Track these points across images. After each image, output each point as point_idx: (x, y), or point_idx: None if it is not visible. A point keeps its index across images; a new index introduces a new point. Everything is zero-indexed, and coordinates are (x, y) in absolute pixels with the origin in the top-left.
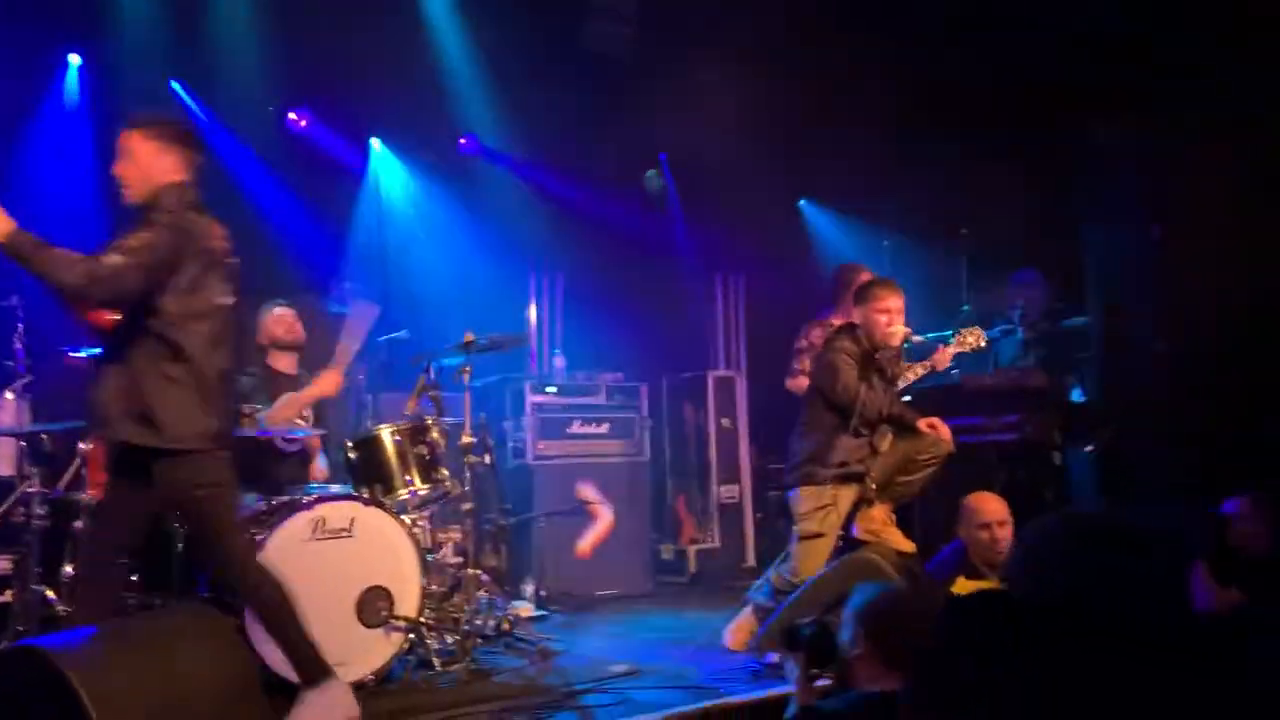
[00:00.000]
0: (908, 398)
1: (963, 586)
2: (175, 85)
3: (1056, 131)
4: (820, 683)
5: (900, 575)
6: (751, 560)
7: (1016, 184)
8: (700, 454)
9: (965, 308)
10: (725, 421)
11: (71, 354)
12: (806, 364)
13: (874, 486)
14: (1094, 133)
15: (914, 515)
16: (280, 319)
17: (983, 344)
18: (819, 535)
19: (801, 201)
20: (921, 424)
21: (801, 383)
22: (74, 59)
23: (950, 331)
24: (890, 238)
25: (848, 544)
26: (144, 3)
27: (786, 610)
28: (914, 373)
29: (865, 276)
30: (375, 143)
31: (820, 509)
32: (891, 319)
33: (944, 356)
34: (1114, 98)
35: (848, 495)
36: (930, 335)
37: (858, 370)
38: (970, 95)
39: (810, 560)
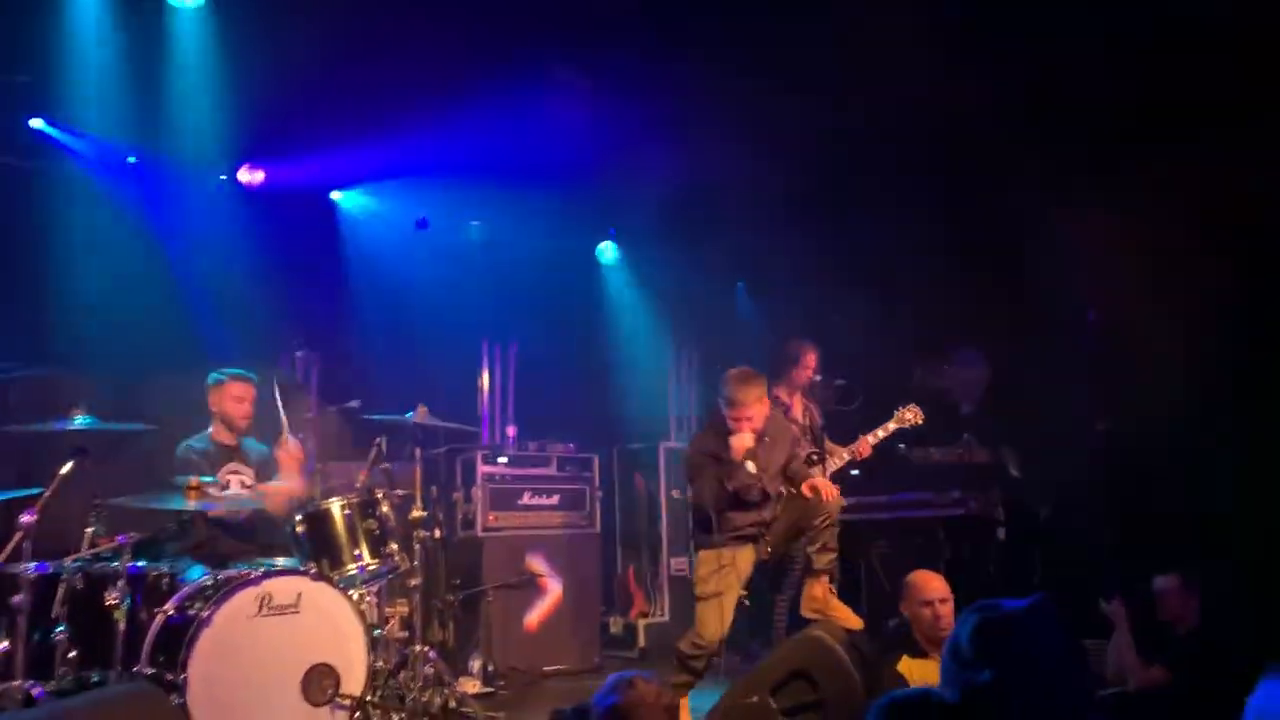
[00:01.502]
0: (855, 472)
1: (906, 665)
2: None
3: (997, 209)
4: None
5: (848, 653)
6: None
7: (958, 263)
8: (651, 525)
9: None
10: (676, 493)
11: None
12: None
13: (769, 549)
14: (1035, 213)
15: (861, 589)
16: (240, 400)
17: (920, 421)
18: (718, 594)
19: (740, 283)
20: (804, 488)
21: None
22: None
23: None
24: (833, 313)
25: (797, 624)
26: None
27: (734, 689)
28: (839, 458)
29: (810, 355)
30: (335, 196)
31: (719, 570)
32: (741, 426)
33: (864, 446)
34: (1058, 178)
35: (745, 555)
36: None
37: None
38: (909, 171)
39: (712, 620)
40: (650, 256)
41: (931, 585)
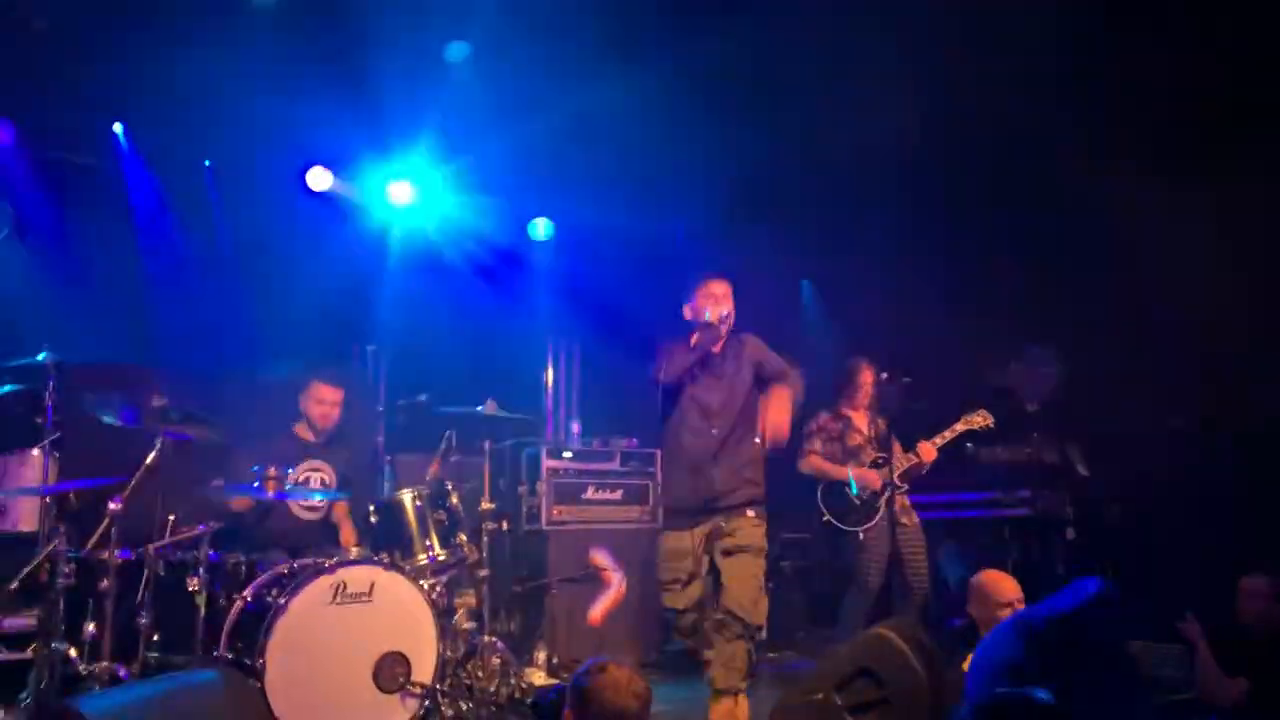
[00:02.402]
0: (923, 471)
1: None
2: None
3: (1069, 203)
4: None
5: (914, 651)
6: (764, 633)
7: (1029, 257)
8: None
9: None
10: None
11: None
12: (818, 445)
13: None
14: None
15: (926, 588)
16: (321, 402)
17: (989, 424)
18: (683, 610)
19: (805, 281)
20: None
21: (813, 462)
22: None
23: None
24: (900, 313)
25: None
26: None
27: (798, 685)
28: (905, 460)
29: (866, 372)
30: (396, 192)
31: (679, 583)
32: (703, 306)
33: (927, 450)
34: (1133, 170)
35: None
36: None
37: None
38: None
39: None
40: (715, 251)
41: (1007, 586)
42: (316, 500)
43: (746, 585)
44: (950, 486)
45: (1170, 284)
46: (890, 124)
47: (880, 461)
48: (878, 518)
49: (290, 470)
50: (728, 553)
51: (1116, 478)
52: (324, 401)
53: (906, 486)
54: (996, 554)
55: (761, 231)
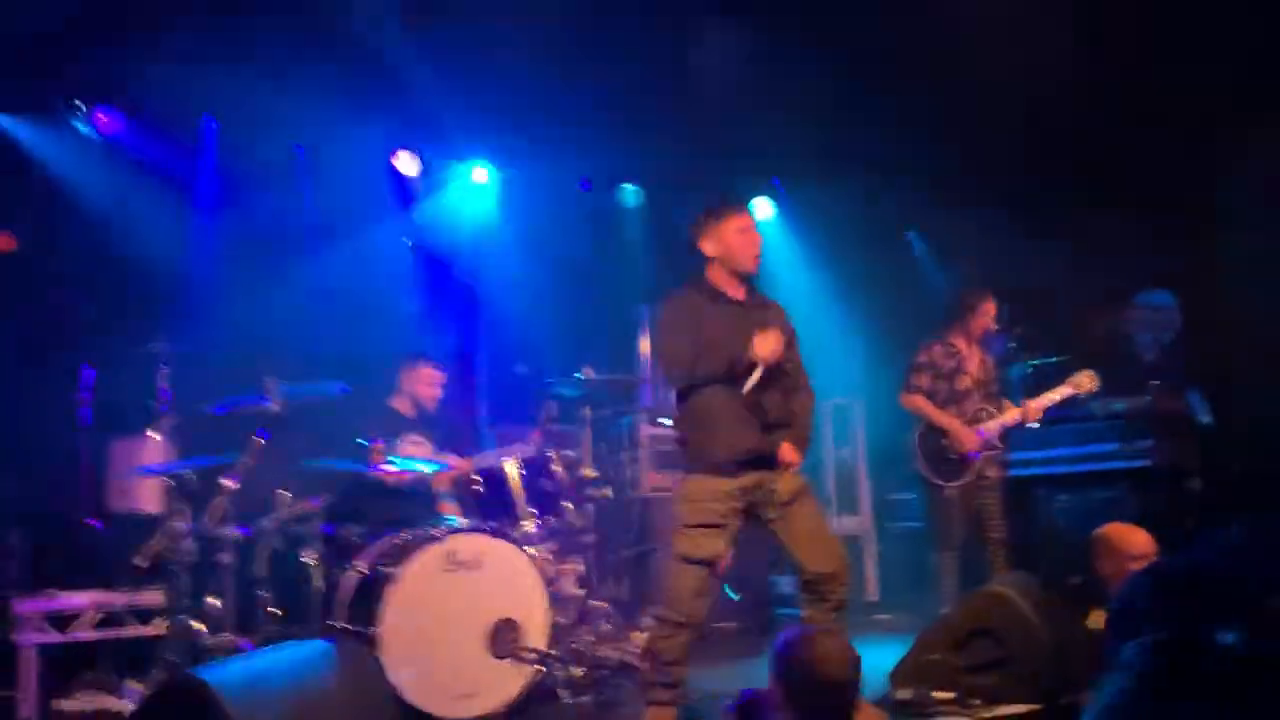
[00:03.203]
0: (1035, 425)
1: (1099, 619)
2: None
3: (1187, 140)
4: None
5: (1034, 609)
6: (874, 594)
7: (1146, 200)
8: (818, 485)
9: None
10: (844, 451)
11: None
12: (925, 381)
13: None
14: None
15: (1041, 545)
16: (430, 385)
17: (1095, 388)
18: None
19: (910, 233)
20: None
21: (915, 400)
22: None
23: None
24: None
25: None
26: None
27: (916, 646)
28: (1010, 417)
29: (989, 304)
30: (483, 174)
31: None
32: (742, 247)
33: (1035, 408)
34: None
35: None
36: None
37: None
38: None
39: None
40: (812, 207)
41: (1140, 539)
42: (421, 470)
43: (823, 534)
44: (1066, 439)
45: None
46: (998, 72)
47: (983, 415)
48: (968, 476)
49: (397, 444)
50: (785, 503)
51: (1244, 426)
52: (434, 384)
53: (1003, 448)
54: (1117, 507)
55: (863, 181)
